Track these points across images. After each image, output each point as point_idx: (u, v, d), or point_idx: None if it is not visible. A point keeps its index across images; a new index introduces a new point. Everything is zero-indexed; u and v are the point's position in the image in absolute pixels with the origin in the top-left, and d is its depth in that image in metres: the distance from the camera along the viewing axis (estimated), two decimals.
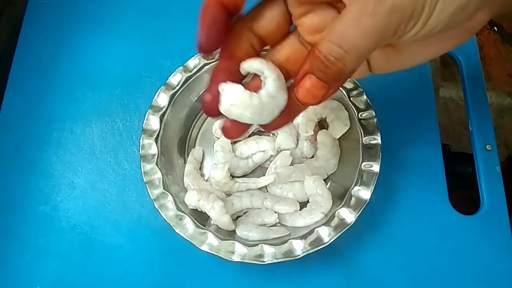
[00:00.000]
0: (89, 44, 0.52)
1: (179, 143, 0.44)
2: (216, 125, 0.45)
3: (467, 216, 0.43)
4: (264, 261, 0.37)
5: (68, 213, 0.44)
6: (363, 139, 0.41)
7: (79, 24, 0.53)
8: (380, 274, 0.41)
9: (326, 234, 0.38)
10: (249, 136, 0.45)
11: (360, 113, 0.42)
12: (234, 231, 0.39)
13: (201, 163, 0.44)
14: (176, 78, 0.44)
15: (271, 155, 0.43)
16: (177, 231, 0.38)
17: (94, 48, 0.52)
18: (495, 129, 0.46)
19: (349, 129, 0.43)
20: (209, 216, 0.39)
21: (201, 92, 0.46)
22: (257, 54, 0.27)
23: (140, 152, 0.41)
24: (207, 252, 0.37)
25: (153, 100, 0.44)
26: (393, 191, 0.44)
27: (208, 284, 0.41)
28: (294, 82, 0.25)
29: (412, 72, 0.48)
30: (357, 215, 0.38)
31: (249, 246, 0.37)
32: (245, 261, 0.37)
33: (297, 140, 0.44)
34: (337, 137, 0.43)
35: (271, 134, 0.45)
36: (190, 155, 0.44)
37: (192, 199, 0.39)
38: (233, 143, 0.44)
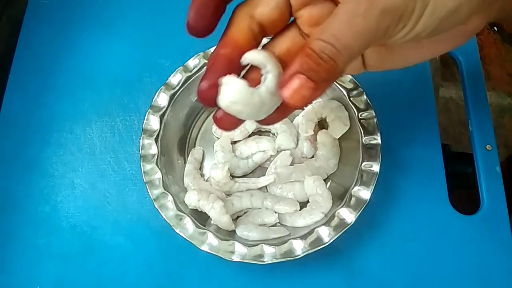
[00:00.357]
0: (89, 44, 0.52)
1: (179, 143, 0.44)
2: None
3: (467, 216, 0.43)
4: (264, 261, 0.37)
5: (68, 213, 0.44)
6: (363, 139, 0.41)
7: (79, 24, 0.53)
8: (380, 274, 0.41)
9: (326, 234, 0.38)
10: (249, 136, 0.45)
11: (360, 113, 0.42)
12: (234, 231, 0.39)
13: (201, 163, 0.44)
14: (176, 78, 0.44)
15: (271, 155, 0.43)
16: (177, 231, 0.38)
17: (94, 48, 0.52)
18: (495, 129, 0.46)
19: (349, 129, 0.43)
20: (209, 216, 0.39)
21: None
22: (257, 43, 0.27)
23: (140, 152, 0.42)
24: (207, 252, 0.37)
25: (153, 100, 0.44)
26: (393, 191, 0.44)
27: (208, 284, 0.41)
28: (281, 83, 0.24)
29: (412, 72, 0.48)
30: (357, 215, 0.38)
31: (249, 246, 0.37)
32: (245, 261, 0.37)
33: (297, 140, 0.44)
34: (337, 137, 0.43)
35: (271, 134, 0.45)
36: (190, 155, 0.44)
37: (192, 199, 0.39)
38: (233, 143, 0.44)
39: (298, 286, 0.41)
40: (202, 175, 0.44)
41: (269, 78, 0.25)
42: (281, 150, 0.43)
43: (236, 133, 0.44)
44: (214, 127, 0.45)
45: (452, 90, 0.84)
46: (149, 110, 0.43)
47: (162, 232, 0.41)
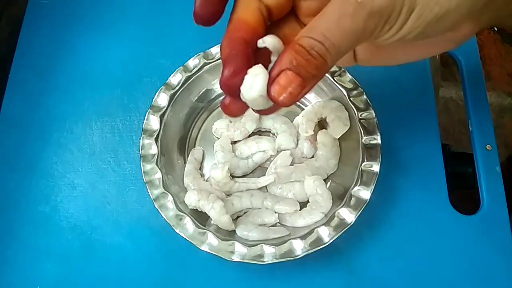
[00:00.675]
0: (89, 44, 0.52)
1: (179, 143, 0.44)
2: (216, 125, 0.45)
3: (467, 216, 0.43)
4: (264, 261, 0.37)
5: (68, 213, 0.44)
6: (363, 139, 0.41)
7: (79, 24, 0.53)
8: (380, 274, 0.41)
9: (326, 234, 0.38)
10: (249, 136, 0.45)
11: (360, 113, 0.42)
12: (234, 231, 0.39)
13: (201, 163, 0.44)
14: (176, 78, 0.44)
15: (271, 155, 0.43)
16: (177, 231, 0.38)
17: (94, 48, 0.52)
18: (495, 129, 0.46)
19: (349, 129, 0.43)
20: (209, 216, 0.39)
21: (202, 91, 0.46)
22: (266, 26, 0.26)
23: (140, 152, 0.42)
24: (207, 252, 0.37)
25: (153, 100, 0.44)
26: (393, 191, 0.44)
27: (208, 284, 0.41)
28: (270, 76, 0.24)
29: (412, 72, 0.48)
30: (357, 215, 0.38)
31: (249, 246, 0.37)
32: (245, 261, 0.37)
33: (297, 140, 0.44)
34: (337, 137, 0.43)
35: (271, 134, 0.45)
36: (190, 155, 0.44)
37: (192, 199, 0.39)
38: (233, 143, 0.44)
39: (298, 286, 0.41)
40: (202, 175, 0.44)
41: None
42: (281, 150, 0.43)
43: (236, 133, 0.44)
44: (214, 127, 0.45)
45: (452, 90, 0.84)
46: (149, 110, 0.43)
47: (162, 232, 0.41)
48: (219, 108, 0.46)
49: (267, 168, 0.43)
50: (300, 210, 0.41)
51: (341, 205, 0.39)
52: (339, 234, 0.37)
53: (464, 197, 0.47)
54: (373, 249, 0.42)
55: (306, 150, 0.43)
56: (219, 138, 0.44)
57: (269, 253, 0.37)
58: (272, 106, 0.26)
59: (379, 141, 0.41)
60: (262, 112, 0.27)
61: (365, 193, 0.39)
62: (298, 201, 0.41)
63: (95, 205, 0.44)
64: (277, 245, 0.37)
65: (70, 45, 0.52)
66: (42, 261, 0.42)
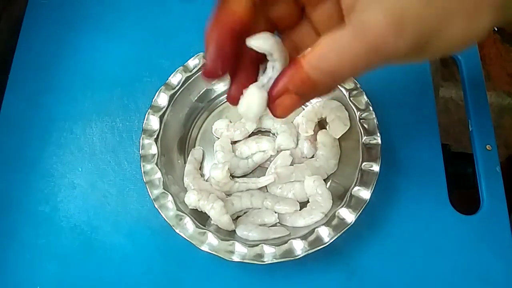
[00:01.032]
0: (89, 44, 0.52)
1: (179, 143, 0.44)
2: (216, 125, 0.45)
3: (467, 216, 0.43)
4: (264, 261, 0.37)
5: (68, 213, 0.44)
6: (363, 139, 0.41)
7: (79, 24, 0.53)
8: (380, 274, 0.41)
9: (326, 234, 0.38)
10: (249, 136, 0.45)
11: (360, 113, 0.42)
12: (234, 231, 0.39)
13: (201, 163, 0.44)
14: (176, 78, 0.44)
15: (271, 155, 0.43)
16: (177, 231, 0.38)
17: (94, 48, 0.52)
18: (495, 129, 0.46)
19: (349, 129, 0.43)
20: (209, 216, 0.39)
21: (202, 91, 0.46)
22: (256, 15, 0.26)
23: (140, 152, 0.42)
24: (207, 252, 0.37)
25: (153, 100, 0.44)
26: (393, 191, 0.44)
27: (208, 284, 0.41)
28: (270, 93, 0.25)
29: (412, 72, 0.48)
30: (357, 215, 0.38)
31: (249, 246, 0.37)
32: (245, 261, 0.37)
33: (297, 140, 0.44)
34: (337, 137, 0.43)
35: (271, 134, 0.45)
36: (190, 155, 0.44)
37: (192, 199, 0.39)
38: (233, 143, 0.44)
39: (298, 286, 0.41)
40: (202, 175, 0.44)
41: (275, 72, 0.26)
42: (281, 150, 0.43)
43: (236, 133, 0.44)
44: (214, 127, 0.45)
45: (452, 90, 0.84)
46: (149, 110, 0.43)
47: (162, 232, 0.41)
48: (219, 108, 0.46)
49: (267, 168, 0.43)
50: (300, 210, 0.41)
51: (341, 205, 0.39)
52: (339, 234, 0.37)
53: (464, 197, 0.47)
54: (373, 249, 0.42)
55: (306, 150, 0.43)
56: (219, 138, 0.44)
57: (269, 253, 0.37)
58: None
59: (379, 141, 0.41)
60: None
61: (365, 193, 0.39)
62: (298, 201, 0.41)
63: (95, 205, 0.44)
64: (277, 245, 0.37)
65: (70, 45, 0.52)
66: (42, 261, 0.42)
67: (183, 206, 0.40)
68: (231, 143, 0.44)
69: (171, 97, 0.44)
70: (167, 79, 0.44)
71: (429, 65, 0.49)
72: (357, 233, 0.41)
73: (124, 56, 0.51)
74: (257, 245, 0.37)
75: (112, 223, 0.43)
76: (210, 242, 0.38)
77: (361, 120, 0.42)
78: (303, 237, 0.38)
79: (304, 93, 0.25)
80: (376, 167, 0.40)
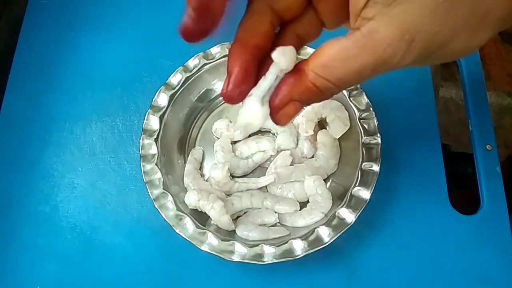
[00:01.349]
0: (89, 44, 0.52)
1: (179, 143, 0.44)
2: (216, 125, 0.45)
3: (467, 216, 0.43)
4: (264, 261, 0.37)
5: (68, 213, 0.44)
6: (363, 139, 0.41)
7: (79, 24, 0.53)
8: (380, 274, 0.41)
9: (326, 234, 0.38)
10: (249, 136, 0.45)
11: (360, 113, 0.42)
12: (234, 231, 0.39)
13: (201, 163, 0.44)
14: (176, 78, 0.44)
15: (271, 155, 0.43)
16: (177, 231, 0.38)
17: (94, 48, 0.52)
18: (495, 129, 0.46)
19: (349, 129, 0.43)
20: (209, 216, 0.39)
21: (202, 91, 0.46)
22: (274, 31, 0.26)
23: (140, 152, 0.42)
24: (207, 252, 0.37)
25: (153, 100, 0.44)
26: (393, 191, 0.44)
27: (208, 284, 0.41)
28: (273, 104, 0.25)
29: (412, 72, 0.48)
30: (357, 215, 0.38)
31: (249, 246, 0.37)
32: (245, 261, 0.37)
33: (297, 140, 0.44)
34: (337, 137, 0.43)
35: (271, 134, 0.45)
36: (190, 155, 0.44)
37: (192, 199, 0.39)
38: (233, 143, 0.44)
39: (298, 286, 0.41)
40: (202, 175, 0.44)
41: (278, 81, 0.25)
42: (281, 150, 0.43)
43: (236, 133, 0.44)
44: (214, 127, 0.45)
45: (452, 90, 0.84)
46: (149, 110, 0.43)
47: (162, 232, 0.41)
48: (219, 108, 0.46)
49: (267, 168, 0.43)
50: (300, 210, 0.41)
51: (341, 205, 0.39)
52: (339, 234, 0.37)
53: (464, 197, 0.47)
54: (373, 249, 0.42)
55: (306, 150, 0.43)
56: (219, 138, 0.44)
57: (269, 253, 0.37)
58: None
59: (379, 141, 0.41)
60: None
61: (365, 193, 0.39)
62: (298, 201, 0.41)
63: (95, 205, 0.44)
64: (277, 245, 0.37)
65: (70, 45, 0.52)
66: (42, 261, 0.42)
67: (183, 206, 0.40)
68: (231, 143, 0.44)
69: (171, 97, 0.44)
70: (167, 79, 0.44)
71: (429, 65, 0.49)
72: (357, 233, 0.41)
73: (124, 56, 0.51)
74: (257, 245, 0.37)
75: (112, 223, 0.43)
76: (210, 242, 0.38)
77: (361, 120, 0.42)
78: (303, 237, 0.38)
79: (308, 100, 0.25)
80: (376, 167, 0.40)
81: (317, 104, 0.44)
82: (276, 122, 0.26)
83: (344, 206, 0.39)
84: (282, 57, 0.24)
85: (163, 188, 0.40)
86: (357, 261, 0.41)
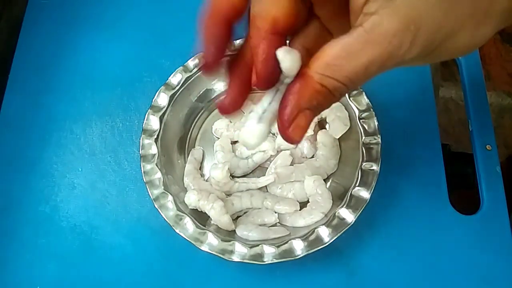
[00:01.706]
0: (89, 44, 0.52)
1: (179, 143, 0.44)
2: (216, 125, 0.45)
3: (467, 216, 0.43)
4: (264, 261, 0.37)
5: (68, 213, 0.44)
6: (363, 139, 0.41)
7: (79, 24, 0.53)
8: (380, 274, 0.41)
9: (326, 234, 0.38)
10: None
11: (360, 113, 0.42)
12: (234, 231, 0.39)
13: (201, 163, 0.44)
14: (176, 78, 0.44)
15: (271, 155, 0.43)
16: (177, 231, 0.38)
17: (94, 48, 0.52)
18: (495, 129, 0.46)
19: (349, 129, 0.43)
20: (209, 216, 0.39)
21: (202, 91, 0.46)
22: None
23: (140, 152, 0.42)
24: (207, 252, 0.37)
25: (153, 100, 0.44)
26: (393, 191, 0.43)
27: (208, 284, 0.41)
28: (282, 119, 0.23)
29: (412, 72, 0.48)
30: (357, 215, 0.38)
31: (249, 246, 0.37)
32: (245, 261, 0.37)
33: None
34: (337, 137, 0.43)
35: (271, 134, 0.45)
36: (190, 155, 0.44)
37: (192, 199, 0.39)
38: (233, 143, 0.44)
39: (298, 286, 0.41)
40: (202, 175, 0.44)
41: (279, 94, 0.23)
42: (281, 150, 0.43)
43: (236, 133, 0.44)
44: (214, 127, 0.45)
45: (452, 90, 0.84)
46: (149, 110, 0.43)
47: (162, 232, 0.41)
48: None
49: (267, 168, 0.43)
50: (300, 210, 0.41)
51: (341, 205, 0.39)
52: (339, 234, 0.37)
53: (464, 197, 0.47)
54: (373, 249, 0.42)
55: (306, 150, 0.43)
56: (219, 138, 0.44)
57: (269, 253, 0.37)
58: None
59: (379, 141, 0.41)
60: None
61: (365, 193, 0.39)
62: (298, 201, 0.41)
63: (95, 205, 0.44)
64: (277, 245, 0.37)
65: (70, 45, 0.52)
66: (42, 261, 0.42)
67: (183, 206, 0.40)
68: (231, 143, 0.44)
69: (171, 97, 0.44)
70: (167, 79, 0.44)
71: (429, 65, 0.49)
72: (357, 233, 0.41)
73: (124, 56, 0.51)
74: (257, 245, 0.37)
75: (112, 223, 0.43)
76: (210, 242, 0.38)
77: (361, 120, 0.42)
78: (303, 237, 0.38)
79: (318, 105, 0.23)
80: (376, 167, 0.40)
81: None
82: (290, 139, 0.23)
83: (344, 206, 0.39)
84: (288, 55, 0.22)
85: (163, 188, 0.40)
86: (357, 261, 0.41)
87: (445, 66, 0.79)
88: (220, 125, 0.44)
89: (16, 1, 0.56)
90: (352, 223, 0.38)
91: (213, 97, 0.46)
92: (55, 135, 0.47)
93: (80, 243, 0.43)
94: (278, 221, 0.40)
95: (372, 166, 0.40)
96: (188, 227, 0.38)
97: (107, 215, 0.44)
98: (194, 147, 0.45)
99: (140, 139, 0.42)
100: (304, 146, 0.43)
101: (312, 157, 0.43)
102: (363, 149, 0.41)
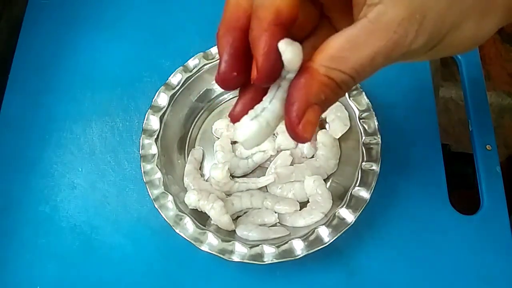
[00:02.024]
0: (89, 44, 0.52)
1: (179, 143, 0.44)
2: (216, 125, 0.45)
3: (467, 216, 0.43)
4: (264, 261, 0.37)
5: (68, 213, 0.44)
6: (363, 139, 0.41)
7: (79, 24, 0.53)
8: (380, 274, 0.41)
9: (326, 234, 0.38)
10: None
11: (360, 113, 0.42)
12: (234, 231, 0.39)
13: (201, 163, 0.44)
14: (176, 78, 0.44)
15: (271, 155, 0.43)
16: (177, 231, 0.38)
17: (94, 48, 0.52)
18: (495, 129, 0.46)
19: (349, 129, 0.43)
20: (209, 216, 0.39)
21: (202, 91, 0.46)
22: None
23: (140, 152, 0.42)
24: (207, 252, 0.37)
25: (153, 100, 0.44)
26: (393, 191, 0.43)
27: (208, 284, 0.41)
28: (290, 117, 0.22)
29: (412, 72, 0.48)
30: (357, 215, 0.38)
31: (249, 246, 0.37)
32: (245, 261, 0.37)
33: None
34: (337, 137, 0.43)
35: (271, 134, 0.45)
36: (190, 155, 0.44)
37: (192, 199, 0.39)
38: (233, 143, 0.44)
39: (298, 286, 0.41)
40: (202, 175, 0.44)
41: (281, 91, 0.23)
42: (281, 150, 0.43)
43: (234, 129, 0.44)
44: (214, 127, 0.45)
45: (452, 90, 0.84)
46: (149, 110, 0.43)
47: (162, 232, 0.41)
48: (219, 108, 0.46)
49: (267, 168, 0.43)
50: (300, 210, 0.41)
51: (341, 205, 0.39)
52: (339, 234, 0.37)
53: (464, 197, 0.47)
54: (373, 249, 0.42)
55: (306, 150, 0.43)
56: (219, 138, 0.44)
57: (269, 253, 0.37)
58: None
59: (379, 141, 0.41)
60: None
61: (365, 193, 0.39)
62: (298, 201, 0.41)
63: (95, 205, 0.44)
64: (277, 245, 0.37)
65: (70, 45, 0.52)
66: (42, 261, 0.42)
67: (183, 206, 0.40)
68: (231, 143, 0.44)
69: (171, 97, 0.44)
70: (167, 79, 0.44)
71: (429, 65, 0.49)
72: (357, 233, 0.41)
73: (124, 56, 0.51)
74: (257, 245, 0.37)
75: (112, 223, 0.43)
76: (210, 242, 0.38)
77: (361, 120, 0.42)
78: (303, 237, 0.38)
79: (326, 100, 0.22)
80: (376, 167, 0.40)
81: None
82: (300, 137, 0.22)
83: (344, 206, 0.39)
84: (290, 47, 0.21)
85: (163, 188, 0.40)
86: (357, 261, 0.41)
87: (445, 66, 0.79)
88: (220, 125, 0.44)
89: (16, 1, 0.56)
90: (352, 223, 0.38)
91: (213, 97, 0.46)
92: (55, 135, 0.47)
93: (80, 243, 0.43)
94: (278, 221, 0.40)
95: (372, 166, 0.40)
96: (188, 227, 0.38)
97: (107, 215, 0.44)
98: (194, 147, 0.45)
99: (140, 139, 0.42)
100: (304, 146, 0.43)
101: (312, 157, 0.43)
102: (363, 149, 0.41)
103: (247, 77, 0.23)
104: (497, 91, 0.90)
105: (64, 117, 0.48)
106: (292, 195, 0.42)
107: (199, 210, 0.40)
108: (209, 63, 0.45)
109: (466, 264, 0.41)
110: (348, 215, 0.38)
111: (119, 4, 0.54)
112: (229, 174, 0.41)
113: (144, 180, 0.40)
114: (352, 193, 0.39)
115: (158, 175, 0.40)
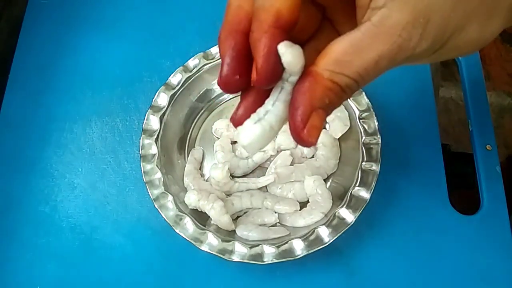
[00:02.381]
0: (89, 44, 0.52)
1: (179, 143, 0.44)
2: (216, 125, 0.45)
3: (467, 216, 0.43)
4: (264, 261, 0.37)
5: (68, 213, 0.44)
6: (363, 139, 0.41)
7: (79, 24, 0.53)
8: (380, 274, 0.41)
9: (326, 234, 0.38)
10: None
11: (360, 113, 0.42)
12: (234, 231, 0.39)
13: (201, 163, 0.44)
14: (176, 78, 0.44)
15: (271, 155, 0.43)
16: (177, 231, 0.38)
17: (94, 48, 0.52)
18: (495, 129, 0.46)
19: (349, 129, 0.43)
20: (209, 216, 0.39)
21: (202, 91, 0.46)
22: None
23: (140, 152, 0.42)
24: (207, 252, 0.37)
25: (153, 100, 0.44)
26: (393, 191, 0.43)
27: (208, 284, 0.41)
28: (295, 122, 0.22)
29: (412, 72, 0.48)
30: (357, 215, 0.38)
31: (249, 246, 0.37)
32: (245, 261, 0.37)
33: None
34: (337, 137, 0.43)
35: None
36: (190, 155, 0.44)
37: (192, 199, 0.39)
38: (233, 143, 0.44)
39: (298, 286, 0.41)
40: (202, 175, 0.44)
41: (283, 94, 0.23)
42: (281, 150, 0.43)
43: (236, 133, 0.44)
44: (214, 127, 0.45)
45: (452, 90, 0.84)
46: (149, 110, 0.43)
47: (162, 232, 0.41)
48: (219, 108, 0.46)
49: (267, 168, 0.43)
50: (300, 210, 0.41)
51: (341, 205, 0.39)
52: (339, 234, 0.37)
53: (464, 197, 0.47)
54: (373, 249, 0.42)
55: (306, 150, 0.43)
56: (219, 138, 0.44)
57: (269, 253, 0.37)
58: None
59: (379, 141, 0.41)
60: None
61: (365, 193, 0.39)
62: (298, 201, 0.41)
63: (95, 205, 0.44)
64: (277, 245, 0.37)
65: (70, 45, 0.52)
66: (42, 261, 0.42)
67: (183, 206, 0.40)
68: (231, 143, 0.44)
69: (171, 97, 0.44)
70: (167, 79, 0.44)
71: (429, 65, 0.49)
72: (357, 233, 0.41)
73: (124, 56, 0.51)
74: (257, 245, 0.37)
75: (112, 223, 0.43)
76: (210, 242, 0.38)
77: (361, 120, 0.42)
78: (303, 237, 0.38)
79: (330, 104, 0.22)
80: (376, 167, 0.40)
81: None
82: (305, 141, 0.22)
83: (344, 206, 0.39)
84: (289, 49, 0.21)
85: (163, 188, 0.40)
86: (357, 261, 0.41)
87: (445, 66, 0.79)
88: (220, 125, 0.44)
89: (16, 1, 0.56)
90: (352, 223, 0.38)
91: (213, 97, 0.46)
92: (55, 135, 0.47)
93: (80, 243, 0.43)
94: (278, 221, 0.40)
95: (372, 166, 0.40)
96: (188, 227, 0.38)
97: (107, 215, 0.44)
98: (194, 147, 0.45)
99: (140, 139, 0.42)
100: None
101: (312, 157, 0.43)
102: (363, 149, 0.41)
103: (249, 80, 0.23)
104: (497, 91, 0.90)
105: (64, 117, 0.48)
106: (292, 195, 0.42)
107: (199, 210, 0.40)
108: (209, 63, 0.45)
109: (466, 264, 0.41)
110: (348, 215, 0.38)
111: (119, 4, 0.54)
112: (229, 174, 0.41)
113: (144, 180, 0.40)
114: (352, 193, 0.39)
115: (158, 175, 0.40)
